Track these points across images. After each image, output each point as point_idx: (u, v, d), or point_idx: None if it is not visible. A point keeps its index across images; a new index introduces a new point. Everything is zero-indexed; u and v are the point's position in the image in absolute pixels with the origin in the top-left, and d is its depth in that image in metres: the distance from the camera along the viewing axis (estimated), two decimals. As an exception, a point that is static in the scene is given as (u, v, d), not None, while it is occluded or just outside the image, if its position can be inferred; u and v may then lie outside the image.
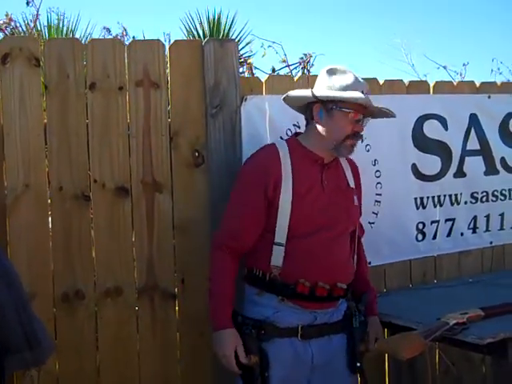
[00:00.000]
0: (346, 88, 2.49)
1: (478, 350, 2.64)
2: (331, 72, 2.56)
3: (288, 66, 5.78)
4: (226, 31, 5.92)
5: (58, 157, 2.55)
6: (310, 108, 2.55)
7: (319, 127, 2.53)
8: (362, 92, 2.50)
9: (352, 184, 2.68)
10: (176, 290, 2.80)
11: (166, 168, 2.74)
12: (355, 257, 2.68)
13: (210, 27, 5.88)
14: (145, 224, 2.71)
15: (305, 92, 2.57)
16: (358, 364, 2.62)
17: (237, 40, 5.86)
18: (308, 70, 5.59)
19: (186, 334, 2.81)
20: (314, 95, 2.50)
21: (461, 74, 7.51)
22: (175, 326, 2.80)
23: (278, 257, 2.47)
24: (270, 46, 5.66)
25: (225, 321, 2.45)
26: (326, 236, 2.51)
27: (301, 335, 2.50)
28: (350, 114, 2.48)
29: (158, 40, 2.75)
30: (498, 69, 7.39)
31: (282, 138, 2.94)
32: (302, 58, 5.89)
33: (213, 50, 2.79)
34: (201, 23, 5.94)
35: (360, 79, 2.56)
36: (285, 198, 2.47)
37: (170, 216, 2.76)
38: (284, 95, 2.64)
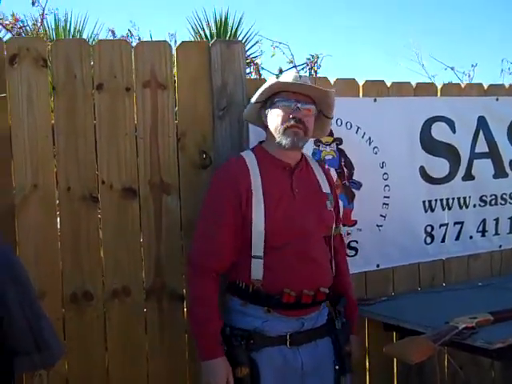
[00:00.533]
0: (274, 81, 2.52)
1: (487, 354, 2.62)
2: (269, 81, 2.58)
3: (295, 66, 5.78)
4: (233, 31, 5.93)
5: (66, 157, 2.56)
6: (260, 115, 2.60)
7: (268, 125, 2.55)
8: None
9: (326, 189, 2.64)
10: (184, 291, 2.79)
11: (173, 169, 2.74)
12: (333, 261, 2.66)
13: (217, 27, 5.88)
14: (152, 225, 2.72)
15: (249, 105, 2.63)
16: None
17: (244, 40, 5.89)
18: (315, 71, 5.59)
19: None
20: (249, 102, 2.60)
21: (469, 75, 7.50)
22: (183, 327, 2.79)
23: (257, 270, 2.44)
24: (277, 47, 5.67)
25: (215, 349, 2.39)
26: (303, 243, 2.48)
27: (290, 342, 2.48)
28: (282, 104, 2.48)
29: (165, 41, 2.76)
30: (509, 69, 7.35)
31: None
32: (308, 59, 5.89)
33: (220, 52, 2.79)
34: (208, 23, 5.96)
35: (297, 75, 2.57)
36: (257, 210, 2.44)
37: (177, 217, 2.76)
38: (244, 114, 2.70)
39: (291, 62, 5.62)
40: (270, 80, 2.59)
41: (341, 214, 2.88)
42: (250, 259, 2.44)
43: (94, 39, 5.52)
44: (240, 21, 5.98)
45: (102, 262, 2.63)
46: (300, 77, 2.55)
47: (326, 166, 2.94)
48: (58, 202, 2.56)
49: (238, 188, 2.44)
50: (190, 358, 2.80)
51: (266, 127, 2.58)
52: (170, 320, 2.76)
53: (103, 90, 2.60)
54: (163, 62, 2.70)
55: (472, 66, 7.61)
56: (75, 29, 5.62)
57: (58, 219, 2.57)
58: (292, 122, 2.46)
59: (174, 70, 2.74)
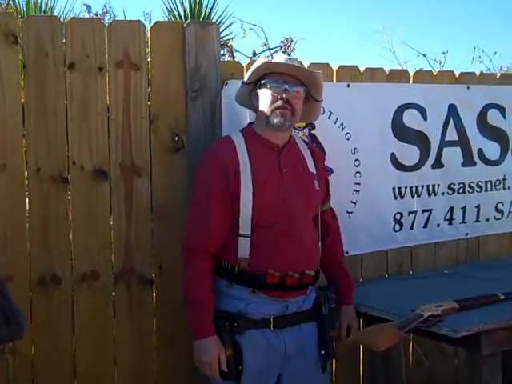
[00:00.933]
0: (263, 62, 2.53)
1: (452, 342, 2.66)
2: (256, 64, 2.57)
3: (269, 49, 5.76)
4: (207, 13, 5.87)
5: (36, 137, 2.51)
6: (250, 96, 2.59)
7: (257, 112, 2.55)
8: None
9: (312, 169, 2.66)
10: (153, 275, 2.77)
11: (145, 151, 2.71)
12: (319, 243, 2.67)
13: (191, 8, 5.82)
14: (123, 208, 2.68)
15: (240, 87, 2.62)
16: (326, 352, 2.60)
17: (218, 22, 5.82)
18: (289, 54, 5.57)
19: (163, 320, 2.79)
20: (242, 82, 2.57)
21: (440, 62, 7.54)
22: (152, 311, 2.78)
23: (244, 248, 2.45)
24: (250, 29, 5.63)
25: (207, 329, 2.41)
26: (290, 223, 2.49)
27: (273, 326, 2.49)
28: (271, 85, 2.49)
29: (139, 21, 2.71)
30: (480, 57, 7.42)
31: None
32: (282, 42, 5.87)
33: (194, 33, 2.75)
34: (182, 3, 5.88)
35: (287, 57, 2.60)
36: (245, 188, 2.45)
37: (148, 200, 2.73)
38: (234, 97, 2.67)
39: (265, 44, 5.61)
40: (259, 60, 2.60)
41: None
42: (237, 238, 2.45)
43: (66, 16, 5.41)
44: (215, 2, 5.94)
45: (71, 245, 2.59)
46: (290, 59, 2.57)
47: (314, 145, 2.98)
48: (27, 182, 2.51)
49: (226, 169, 2.45)
50: (158, 342, 2.79)
51: (255, 109, 2.58)
52: (138, 304, 2.73)
53: (75, 70, 2.55)
54: (137, 42, 2.65)
55: (443, 53, 7.66)
56: (47, 5, 5.49)
57: (27, 200, 2.52)
58: (280, 103, 2.47)
59: (148, 51, 2.70)
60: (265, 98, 2.51)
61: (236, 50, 5.45)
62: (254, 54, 5.45)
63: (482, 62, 7.38)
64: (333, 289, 2.67)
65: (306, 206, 2.57)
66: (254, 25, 5.78)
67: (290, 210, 2.50)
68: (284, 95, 2.48)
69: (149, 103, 2.70)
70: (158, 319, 2.78)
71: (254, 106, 2.60)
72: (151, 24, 2.79)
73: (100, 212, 2.63)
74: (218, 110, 2.82)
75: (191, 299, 2.44)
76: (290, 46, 5.97)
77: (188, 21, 2.84)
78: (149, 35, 2.69)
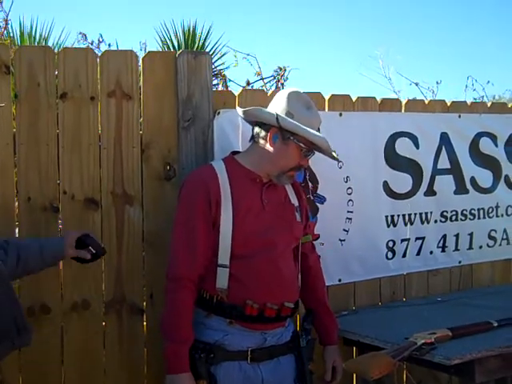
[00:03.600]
0: (305, 121, 2.45)
1: (446, 370, 2.64)
2: (294, 98, 2.50)
3: (262, 79, 5.79)
4: (201, 42, 5.90)
5: (27, 166, 2.51)
6: (266, 128, 2.48)
7: (269, 151, 2.47)
8: (318, 129, 2.52)
9: (294, 200, 2.64)
10: (144, 304, 2.75)
11: (136, 180, 2.71)
12: (299, 275, 2.64)
13: (185, 38, 5.85)
14: (114, 236, 2.68)
15: (268, 115, 2.47)
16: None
17: (211, 52, 5.86)
18: (282, 84, 5.60)
19: (153, 349, 2.75)
20: (278, 123, 2.43)
21: (433, 91, 7.60)
22: (143, 341, 2.76)
23: (222, 279, 2.42)
24: (244, 58, 5.66)
25: (182, 364, 2.34)
26: (270, 255, 2.46)
27: (251, 358, 2.45)
28: (304, 149, 2.47)
29: (131, 50, 2.73)
30: (472, 85, 7.48)
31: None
32: (276, 72, 5.90)
33: (186, 62, 2.77)
34: (176, 34, 5.92)
35: (317, 113, 2.55)
36: (225, 218, 2.42)
37: (139, 229, 2.72)
38: (246, 109, 2.53)
39: (259, 74, 5.62)
40: (318, 135, 2.47)
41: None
42: (215, 268, 2.43)
43: (61, 45, 5.44)
44: (208, 32, 5.98)
45: (60, 274, 2.58)
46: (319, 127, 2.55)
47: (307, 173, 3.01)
48: (17, 211, 2.51)
49: (208, 192, 2.42)
50: (149, 372, 2.76)
51: (260, 139, 2.49)
52: (129, 334, 2.72)
53: (67, 99, 2.56)
54: (129, 72, 2.67)
55: (437, 82, 7.72)
56: (41, 36, 5.53)
57: (17, 230, 2.52)
58: (296, 171, 2.55)
59: (140, 81, 2.71)
60: (292, 156, 2.47)
61: (230, 80, 5.47)
62: (248, 84, 5.47)
63: (474, 90, 7.44)
64: (310, 320, 2.64)
65: (287, 237, 2.55)
66: (248, 54, 5.81)
67: (271, 240, 2.47)
68: (304, 163, 2.53)
69: (141, 132, 2.71)
70: (148, 349, 2.76)
71: (259, 135, 2.49)
72: (145, 52, 2.81)
73: (91, 241, 2.62)
74: (209, 139, 2.83)
75: (170, 332, 2.38)
76: (283, 75, 6.00)
77: (180, 50, 2.85)
78: (141, 65, 2.71)
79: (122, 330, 2.71)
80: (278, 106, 2.50)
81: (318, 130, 2.52)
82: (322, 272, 2.81)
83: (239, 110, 2.58)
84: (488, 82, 7.91)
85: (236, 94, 2.97)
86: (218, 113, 2.84)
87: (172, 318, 2.39)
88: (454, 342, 2.65)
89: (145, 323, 2.77)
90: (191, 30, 5.84)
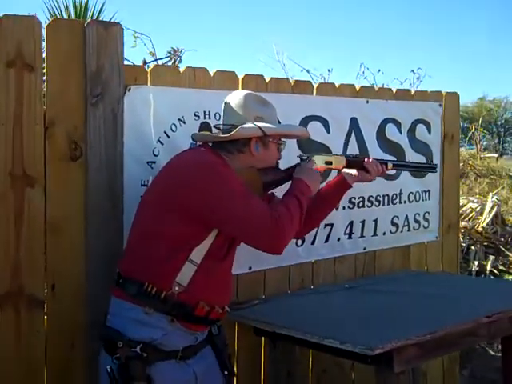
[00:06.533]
0: (273, 118, 2.54)
1: (362, 359, 2.58)
2: (253, 101, 2.51)
3: (156, 60, 5.61)
4: (92, 17, 5.60)
5: None
6: (243, 141, 2.45)
7: (252, 159, 2.48)
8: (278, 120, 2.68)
9: None
10: (45, 296, 2.52)
11: (38, 160, 2.46)
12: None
13: (76, 13, 5.53)
14: (12, 222, 2.41)
15: (251, 129, 2.43)
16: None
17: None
18: (177, 66, 5.44)
19: (55, 345, 2.54)
20: (264, 132, 2.44)
21: (324, 79, 7.65)
22: (43, 337, 2.52)
23: (186, 275, 2.30)
24: (137, 37, 5.45)
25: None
26: (231, 259, 2.50)
27: (180, 357, 2.36)
28: (281, 145, 2.58)
29: (34, 16, 2.48)
30: (363, 73, 7.62)
31: (166, 133, 2.77)
32: (169, 53, 5.74)
33: (96, 34, 2.54)
34: (66, 8, 5.58)
35: (271, 103, 2.58)
36: None
37: (41, 214, 2.48)
38: (230, 134, 2.41)
39: (153, 54, 5.44)
40: (300, 128, 2.92)
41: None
42: (182, 262, 2.29)
43: None
44: (101, 8, 5.70)
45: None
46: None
47: None
48: None
49: None
50: (49, 370, 2.53)
51: (238, 152, 2.46)
52: (27, 330, 2.46)
53: (-39, 68, 2.28)
54: (31, 40, 2.40)
55: (328, 70, 7.79)
56: None
57: None
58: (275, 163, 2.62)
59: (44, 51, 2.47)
60: (273, 155, 2.56)
61: (125, 59, 5.23)
62: (145, 63, 5.25)
63: (365, 78, 7.57)
64: None
65: None
66: (142, 33, 5.61)
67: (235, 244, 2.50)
68: (280, 158, 2.64)
69: (44, 108, 2.47)
70: (49, 345, 2.53)
71: (237, 147, 2.45)
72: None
73: (-14, 226, 2.35)
74: (119, 116, 2.62)
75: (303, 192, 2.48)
76: (178, 56, 5.84)
77: (89, 19, 2.63)
78: (45, 33, 2.45)
79: (20, 325, 2.45)
80: (244, 114, 2.47)
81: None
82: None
83: (216, 137, 2.49)
84: (379, 70, 8.09)
85: (148, 69, 2.78)
86: (129, 89, 2.65)
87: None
88: (372, 331, 2.64)
89: (45, 317, 2.53)
90: (83, 5, 5.54)
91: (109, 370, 2.22)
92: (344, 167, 2.81)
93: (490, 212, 7.28)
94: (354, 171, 2.81)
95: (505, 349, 3.38)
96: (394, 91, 3.93)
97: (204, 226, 2.32)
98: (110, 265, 2.52)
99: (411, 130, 3.93)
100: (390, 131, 3.79)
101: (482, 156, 11.19)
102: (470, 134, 12.17)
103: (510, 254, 6.90)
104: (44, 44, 2.48)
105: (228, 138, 2.42)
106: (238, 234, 2.36)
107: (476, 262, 6.53)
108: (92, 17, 5.54)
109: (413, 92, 4.09)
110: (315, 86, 3.45)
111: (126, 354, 2.22)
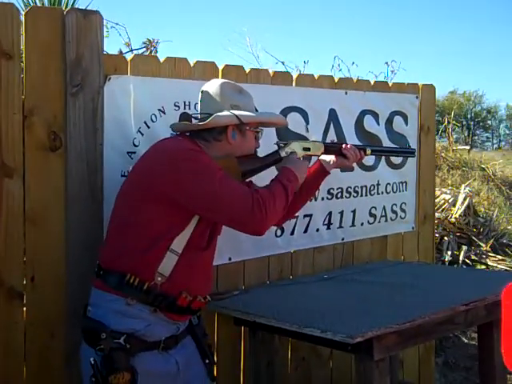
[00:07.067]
0: (250, 106, 2.53)
1: (342, 347, 2.60)
2: (229, 89, 2.51)
3: (132, 50, 5.57)
4: (68, 6, 5.52)
5: None
6: (219, 129, 2.44)
7: (229, 147, 2.48)
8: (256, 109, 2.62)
9: None
10: (24, 288, 2.49)
11: (17, 150, 2.42)
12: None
13: (50, 1, 5.43)
14: (-10, 212, 2.38)
15: (227, 117, 2.43)
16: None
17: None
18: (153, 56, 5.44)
19: (34, 338, 2.51)
20: (240, 120, 2.43)
21: (300, 71, 7.64)
22: (22, 329, 2.48)
23: (168, 265, 2.29)
24: (112, 27, 5.40)
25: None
26: (213, 249, 2.50)
27: (162, 347, 2.36)
28: (259, 132, 2.58)
29: (12, 3, 2.43)
30: (339, 65, 7.63)
31: (146, 123, 2.75)
32: (145, 43, 5.71)
33: (75, 21, 2.51)
34: (40, -5, 5.49)
35: (248, 91, 2.58)
36: None
37: (20, 205, 2.44)
38: (204, 122, 2.41)
39: (128, 44, 5.39)
40: (277, 115, 2.87)
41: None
42: (164, 252, 2.28)
43: None
44: (76, -4, 5.61)
45: None
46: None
47: None
48: None
49: None
50: (29, 365, 2.50)
51: (214, 139, 2.45)
52: (6, 322, 2.43)
53: None
54: (9, 28, 2.37)
55: (304, 62, 7.79)
56: None
57: None
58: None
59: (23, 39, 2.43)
60: (251, 144, 2.56)
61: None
62: (121, 54, 5.20)
63: (340, 70, 7.59)
64: None
65: None
66: (117, 23, 5.56)
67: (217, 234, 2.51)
68: (258, 146, 2.64)
69: (23, 97, 2.43)
70: (28, 338, 2.49)
71: (212, 135, 2.45)
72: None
73: (-36, 217, 2.31)
74: (99, 106, 2.60)
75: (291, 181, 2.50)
76: (154, 47, 5.81)
77: (69, 7, 2.59)
78: (23, 21, 2.41)
79: (-2, 317, 2.42)
80: (220, 102, 2.46)
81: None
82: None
83: (192, 126, 2.47)
84: (353, 63, 8.11)
85: (128, 59, 2.75)
86: (109, 78, 2.62)
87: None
88: (351, 320, 2.64)
89: (24, 309, 2.50)
90: (57, -7, 5.45)
91: (92, 361, 2.20)
92: (322, 153, 2.81)
93: (462, 203, 7.37)
94: (332, 157, 2.82)
95: (481, 336, 3.42)
96: (372, 83, 3.94)
97: (185, 214, 2.31)
98: (91, 254, 2.51)
99: (389, 122, 3.95)
100: (368, 122, 3.81)
101: (454, 148, 11.29)
102: (442, 127, 12.26)
103: (482, 244, 7.00)
104: (22, 32, 2.44)
105: (204, 127, 2.41)
106: (220, 217, 2.35)
107: (449, 252, 6.62)
108: (67, 6, 5.46)
109: (390, 84, 4.11)
110: (294, 77, 3.45)
111: (110, 346, 2.21)
